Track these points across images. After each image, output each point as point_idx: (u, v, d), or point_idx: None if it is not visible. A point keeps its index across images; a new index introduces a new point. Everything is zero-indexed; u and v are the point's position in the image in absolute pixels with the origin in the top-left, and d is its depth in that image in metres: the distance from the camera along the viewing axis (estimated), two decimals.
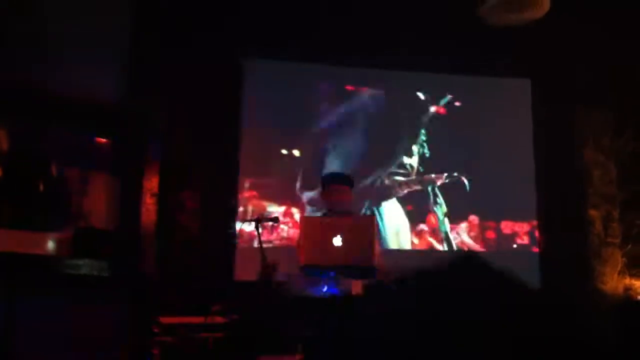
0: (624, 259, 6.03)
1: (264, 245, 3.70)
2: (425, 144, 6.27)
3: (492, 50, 6.01)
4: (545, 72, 6.36)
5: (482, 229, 6.23)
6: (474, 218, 6.23)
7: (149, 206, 5.22)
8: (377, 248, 4.11)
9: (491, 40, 5.81)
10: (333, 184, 4.36)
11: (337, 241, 3.48)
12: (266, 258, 3.56)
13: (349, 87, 6.27)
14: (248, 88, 6.00)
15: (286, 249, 5.60)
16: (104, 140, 5.25)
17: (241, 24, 5.80)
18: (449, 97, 6.34)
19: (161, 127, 5.34)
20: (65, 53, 4.87)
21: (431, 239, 6.14)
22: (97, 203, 5.18)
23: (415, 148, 6.25)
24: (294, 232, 5.69)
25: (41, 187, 4.90)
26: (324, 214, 4.41)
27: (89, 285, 4.68)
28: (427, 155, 6.26)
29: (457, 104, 6.36)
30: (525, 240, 6.23)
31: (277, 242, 5.76)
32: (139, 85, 5.28)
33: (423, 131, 6.27)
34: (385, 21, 5.73)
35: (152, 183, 5.28)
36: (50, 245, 4.78)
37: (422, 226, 6.15)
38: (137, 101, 5.25)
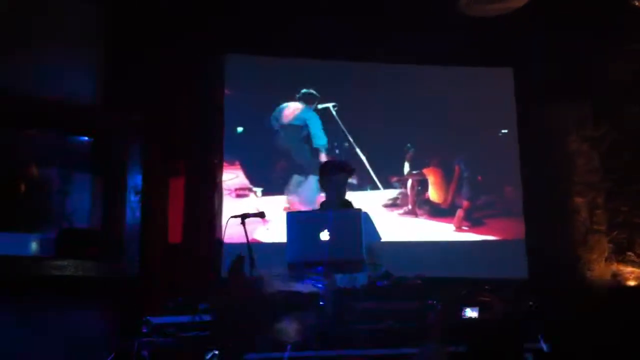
0: (610, 245, 6.06)
1: (251, 242, 3.67)
2: None
3: (474, 40, 5.99)
4: (528, 62, 6.36)
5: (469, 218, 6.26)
6: (461, 208, 6.26)
7: (132, 204, 5.17)
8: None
9: (473, 30, 5.80)
10: (333, 172, 4.31)
11: (324, 236, 3.45)
12: (253, 255, 3.52)
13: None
14: (230, 84, 5.97)
15: (277, 246, 5.58)
16: (85, 139, 5.20)
17: (222, 22, 5.75)
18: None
19: (143, 123, 5.27)
20: (42, 54, 4.82)
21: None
22: (80, 203, 5.13)
23: None
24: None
25: (22, 189, 4.84)
26: (322, 204, 4.38)
27: (74, 286, 4.64)
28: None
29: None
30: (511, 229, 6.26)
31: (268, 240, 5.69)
32: (119, 82, 5.23)
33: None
34: (366, 15, 5.71)
35: (135, 181, 5.23)
36: (34, 246, 4.73)
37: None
38: (117, 99, 5.19)
